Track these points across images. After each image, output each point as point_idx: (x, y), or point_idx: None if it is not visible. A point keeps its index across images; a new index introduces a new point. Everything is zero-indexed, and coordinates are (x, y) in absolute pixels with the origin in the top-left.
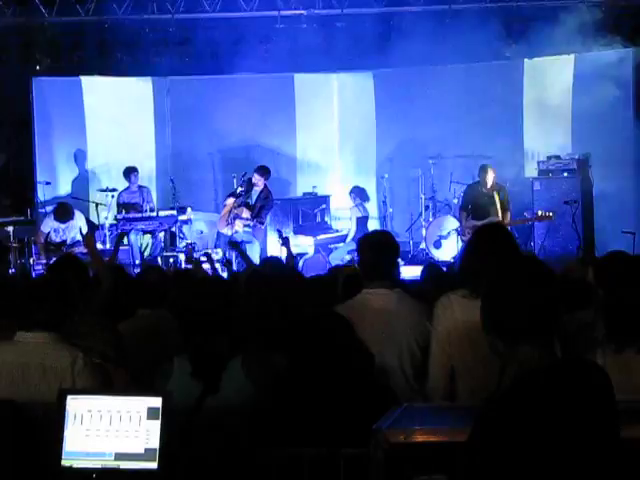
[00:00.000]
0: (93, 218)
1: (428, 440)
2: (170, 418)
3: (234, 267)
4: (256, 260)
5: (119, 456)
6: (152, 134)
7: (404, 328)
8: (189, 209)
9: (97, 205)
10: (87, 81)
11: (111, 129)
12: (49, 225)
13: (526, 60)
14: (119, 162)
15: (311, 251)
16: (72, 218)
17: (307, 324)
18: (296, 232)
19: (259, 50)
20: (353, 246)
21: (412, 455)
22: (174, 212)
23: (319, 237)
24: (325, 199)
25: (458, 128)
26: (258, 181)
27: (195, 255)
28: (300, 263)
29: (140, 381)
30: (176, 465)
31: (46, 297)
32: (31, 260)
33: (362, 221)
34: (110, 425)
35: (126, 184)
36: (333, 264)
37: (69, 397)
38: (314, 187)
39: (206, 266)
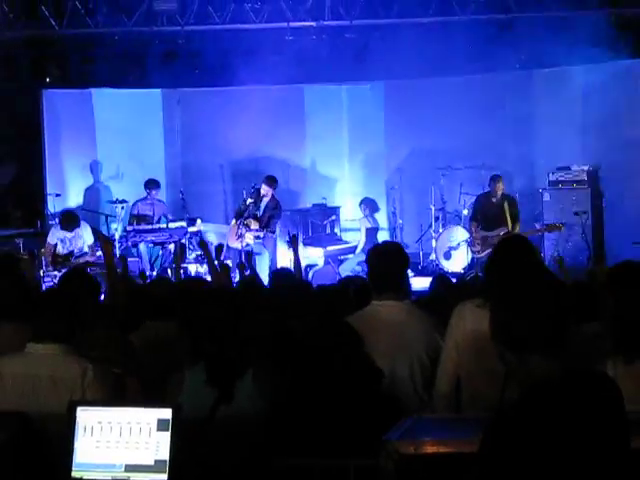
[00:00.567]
0: (103, 230)
1: (438, 451)
2: (180, 429)
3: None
4: (265, 271)
5: (129, 468)
6: (162, 146)
7: (413, 340)
8: (199, 221)
9: (107, 217)
10: (97, 93)
11: (121, 141)
12: (56, 236)
13: (536, 71)
14: (129, 174)
15: (321, 262)
16: (78, 226)
17: (315, 335)
18: (306, 243)
19: (268, 61)
20: (363, 257)
21: (422, 466)
22: (184, 224)
23: (329, 248)
24: (335, 210)
25: (468, 139)
26: (267, 192)
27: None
28: (310, 274)
29: (149, 392)
30: (186, 476)
31: (56, 309)
32: (41, 272)
33: (372, 232)
34: (120, 437)
35: (137, 195)
36: (343, 275)
37: (79, 409)
38: (324, 198)
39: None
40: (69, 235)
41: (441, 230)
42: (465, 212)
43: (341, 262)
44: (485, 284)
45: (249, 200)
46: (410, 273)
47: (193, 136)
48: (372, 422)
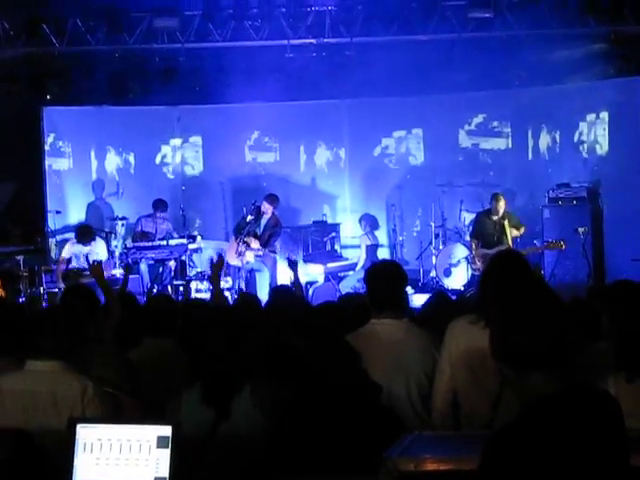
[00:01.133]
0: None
1: (439, 469)
2: (180, 447)
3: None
4: (266, 287)
5: None
6: (162, 163)
7: (412, 358)
8: (199, 237)
9: (107, 234)
10: (97, 110)
11: (121, 158)
12: (70, 251)
13: (535, 88)
14: (129, 191)
15: (321, 279)
16: (94, 239)
17: (313, 352)
18: (306, 260)
19: (269, 79)
20: (363, 274)
21: None
22: (184, 241)
23: (329, 265)
24: (335, 227)
25: (468, 156)
26: (267, 209)
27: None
28: (310, 291)
29: (148, 410)
30: None
31: (56, 326)
32: (41, 289)
33: (372, 249)
34: (120, 454)
35: (138, 212)
36: (343, 292)
37: (79, 426)
38: (324, 215)
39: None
40: (84, 250)
41: (441, 247)
42: (465, 229)
43: (341, 279)
44: (479, 300)
45: (249, 217)
46: (410, 290)
47: (193, 153)
48: (371, 437)
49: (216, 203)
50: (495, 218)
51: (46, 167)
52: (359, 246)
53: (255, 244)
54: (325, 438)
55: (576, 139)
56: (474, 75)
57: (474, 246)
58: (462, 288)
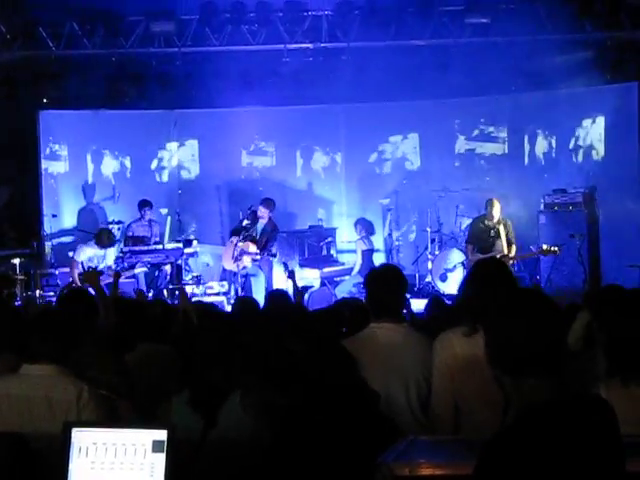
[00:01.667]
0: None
1: (434, 474)
2: (175, 451)
3: (237, 293)
4: (262, 292)
5: None
6: (158, 167)
7: (411, 362)
8: (195, 242)
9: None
10: (94, 114)
11: (118, 162)
12: (86, 254)
13: (532, 94)
14: (125, 195)
15: (317, 284)
16: (113, 245)
17: (309, 358)
18: (302, 265)
19: (265, 83)
20: (359, 279)
21: None
22: (180, 245)
23: (325, 270)
24: (331, 232)
25: (464, 161)
26: (264, 214)
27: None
28: (306, 296)
29: (141, 414)
30: None
31: (52, 330)
32: (37, 292)
33: (368, 254)
34: (115, 458)
35: (132, 216)
36: (339, 297)
37: (74, 430)
38: (320, 220)
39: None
40: (100, 253)
41: (437, 252)
42: (461, 234)
43: (337, 284)
44: (465, 308)
45: (245, 222)
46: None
47: (190, 157)
48: (368, 445)
49: (212, 207)
50: (490, 223)
51: (42, 171)
52: (355, 251)
53: (253, 248)
54: (321, 444)
55: (572, 145)
56: (470, 80)
57: (469, 251)
58: (458, 293)
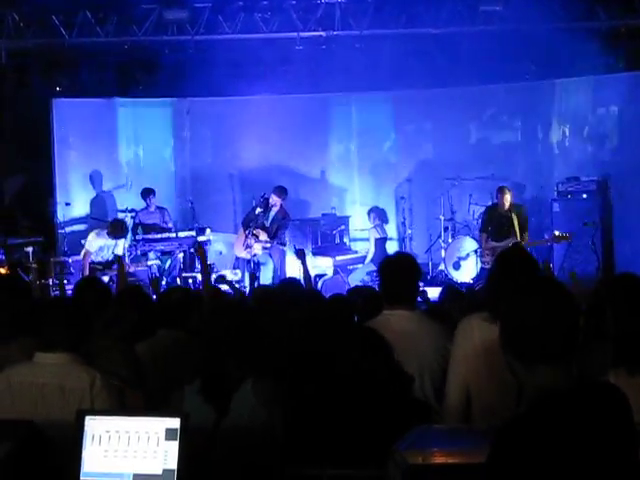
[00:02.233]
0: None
1: (446, 462)
2: (188, 439)
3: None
4: (268, 281)
5: (137, 477)
6: (171, 155)
7: (425, 349)
8: (208, 230)
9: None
10: (107, 102)
11: (130, 150)
12: (97, 244)
13: (545, 82)
14: (138, 183)
15: (330, 272)
16: (126, 236)
17: (345, 343)
18: (315, 253)
19: (278, 71)
20: (372, 267)
21: (430, 476)
22: (193, 233)
23: (338, 258)
24: (344, 220)
25: (477, 149)
26: (276, 202)
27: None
28: (319, 284)
29: (155, 402)
30: None
31: (65, 318)
32: (50, 280)
33: (381, 242)
34: (128, 446)
35: (143, 204)
36: (352, 285)
37: (87, 418)
38: (333, 208)
39: (225, 287)
40: (110, 243)
41: (450, 240)
42: (474, 222)
43: (350, 272)
44: (489, 297)
45: (258, 210)
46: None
47: (203, 145)
48: (401, 427)
49: (225, 195)
50: (503, 211)
51: (55, 159)
52: (368, 239)
53: (263, 236)
54: (355, 429)
55: (586, 133)
56: (484, 68)
57: (483, 239)
58: (471, 281)
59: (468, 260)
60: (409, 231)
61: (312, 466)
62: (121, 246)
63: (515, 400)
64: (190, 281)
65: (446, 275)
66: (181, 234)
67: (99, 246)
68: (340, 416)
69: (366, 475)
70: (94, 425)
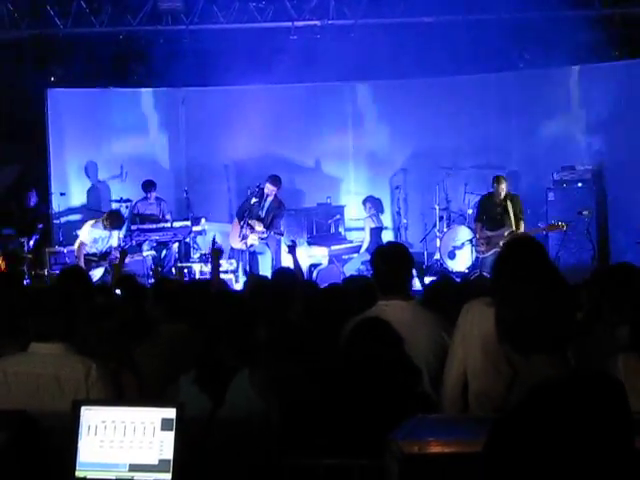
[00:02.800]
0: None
1: (442, 451)
2: (184, 429)
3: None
4: (268, 270)
5: (133, 467)
6: (166, 145)
7: (420, 339)
8: (203, 220)
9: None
10: (101, 92)
11: (125, 140)
12: (92, 235)
13: (540, 71)
14: (133, 173)
15: (325, 262)
16: (121, 228)
17: (357, 331)
18: (310, 243)
19: (273, 61)
20: (367, 257)
21: (426, 466)
22: (188, 223)
23: (333, 248)
24: (339, 209)
25: (472, 139)
26: (270, 191)
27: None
28: (314, 274)
29: (152, 390)
30: (190, 476)
31: (56, 307)
32: (45, 271)
33: (376, 232)
34: (124, 436)
35: (140, 195)
36: (347, 275)
37: (83, 408)
38: (328, 198)
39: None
40: (104, 234)
41: (445, 230)
42: (470, 212)
43: (345, 261)
44: (493, 283)
45: (253, 200)
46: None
47: (198, 135)
48: (399, 418)
49: (220, 185)
50: (498, 200)
51: (50, 149)
52: (363, 228)
53: (259, 227)
54: (366, 421)
55: (581, 122)
56: (479, 57)
57: (478, 229)
58: (466, 270)
59: (463, 249)
60: (404, 220)
61: (308, 456)
62: (115, 237)
63: (507, 387)
64: (185, 271)
65: (441, 264)
66: (176, 224)
67: (94, 238)
68: (340, 406)
69: (363, 465)
70: (90, 415)
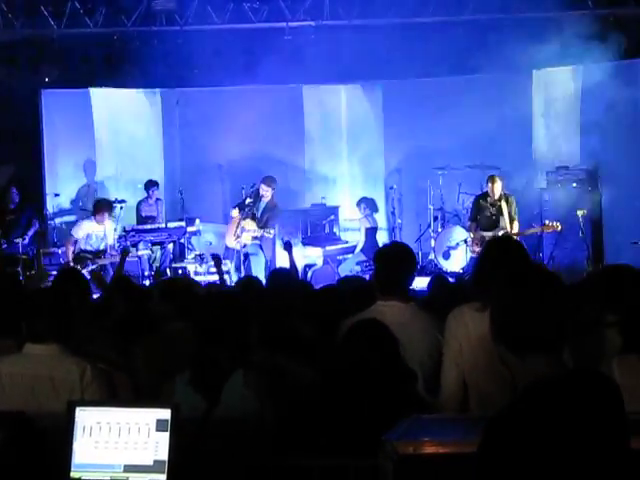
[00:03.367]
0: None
1: (437, 452)
2: (179, 430)
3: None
4: (261, 272)
5: (128, 468)
6: (161, 145)
7: (417, 341)
8: (197, 220)
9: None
10: (96, 93)
11: (119, 141)
12: (84, 230)
13: (534, 71)
14: (127, 174)
15: (320, 262)
16: (110, 213)
17: (354, 332)
18: (305, 243)
19: (267, 61)
20: (362, 257)
21: (421, 466)
22: (183, 223)
23: (328, 248)
24: (334, 210)
25: (466, 139)
26: (265, 192)
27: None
28: (309, 274)
29: (144, 393)
30: (185, 477)
31: (52, 309)
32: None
33: (371, 232)
34: (119, 437)
35: (135, 195)
36: (342, 275)
37: (78, 409)
38: (323, 198)
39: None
40: (99, 230)
41: (440, 230)
42: (464, 212)
43: (340, 262)
44: (478, 287)
45: (248, 200)
46: None
47: (192, 136)
48: (392, 421)
49: (215, 186)
50: (492, 201)
51: (44, 149)
52: (358, 229)
53: (252, 226)
54: (359, 422)
55: (575, 122)
56: (473, 58)
57: (472, 229)
58: (461, 271)
59: (458, 249)
60: (399, 221)
61: (303, 456)
62: (110, 236)
63: (512, 390)
64: (180, 272)
65: (436, 265)
66: (171, 225)
67: (87, 233)
68: (335, 407)
69: (357, 466)
70: (85, 416)
